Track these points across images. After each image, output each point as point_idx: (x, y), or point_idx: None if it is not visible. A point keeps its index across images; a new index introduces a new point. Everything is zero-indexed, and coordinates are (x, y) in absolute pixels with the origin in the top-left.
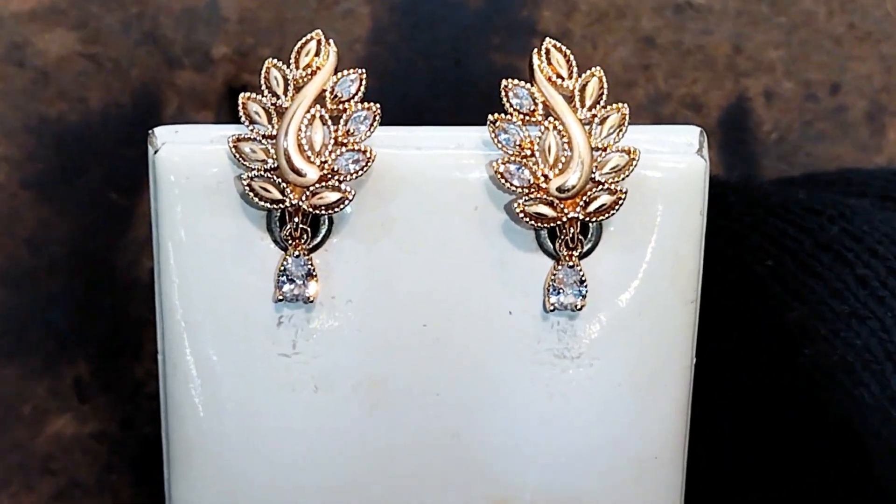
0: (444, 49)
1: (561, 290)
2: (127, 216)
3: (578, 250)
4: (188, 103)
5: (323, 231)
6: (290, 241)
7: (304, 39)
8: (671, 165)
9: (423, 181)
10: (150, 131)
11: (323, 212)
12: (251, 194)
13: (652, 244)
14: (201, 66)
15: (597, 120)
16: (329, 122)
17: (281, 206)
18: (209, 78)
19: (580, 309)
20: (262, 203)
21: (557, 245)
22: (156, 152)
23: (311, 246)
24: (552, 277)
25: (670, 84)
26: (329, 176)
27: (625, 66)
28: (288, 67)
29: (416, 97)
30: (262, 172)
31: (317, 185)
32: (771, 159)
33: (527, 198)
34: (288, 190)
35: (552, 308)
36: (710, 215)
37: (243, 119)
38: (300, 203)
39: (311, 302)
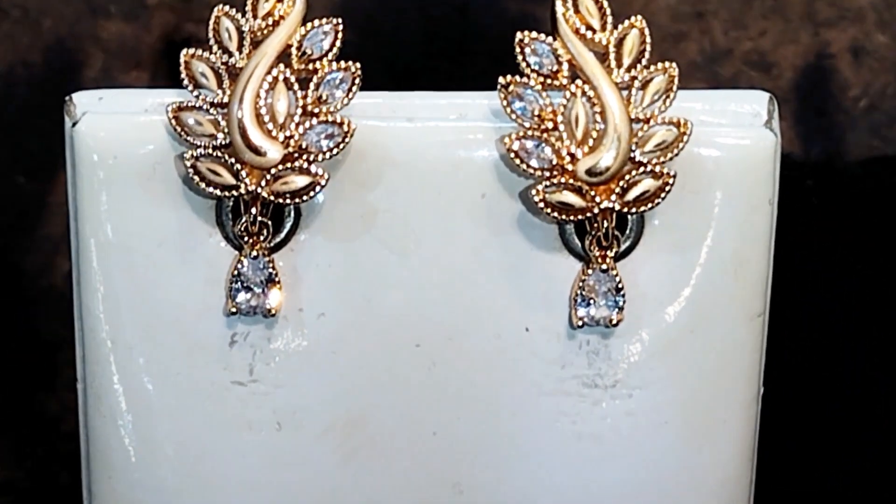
0: None
1: (592, 301)
2: (37, 206)
3: (614, 250)
4: (115, 62)
5: (288, 225)
6: (246, 238)
7: None
8: (732, 142)
9: (416, 162)
10: (66, 98)
11: (288, 201)
12: (196, 178)
13: (708, 243)
14: (132, 13)
15: (637, 83)
16: (295, 87)
17: (235, 193)
18: (142, 29)
19: (616, 325)
20: (211, 189)
21: (587, 243)
22: (74, 125)
23: (272, 244)
24: (581, 284)
25: (731, 37)
26: (296, 155)
27: (673, 15)
28: (243, 16)
29: (409, 55)
30: (211, 150)
31: (280, 167)
32: (860, 133)
33: (548, 183)
34: (243, 173)
35: (580, 324)
36: (783, 205)
37: (186, 82)
38: (259, 189)
39: (273, 316)
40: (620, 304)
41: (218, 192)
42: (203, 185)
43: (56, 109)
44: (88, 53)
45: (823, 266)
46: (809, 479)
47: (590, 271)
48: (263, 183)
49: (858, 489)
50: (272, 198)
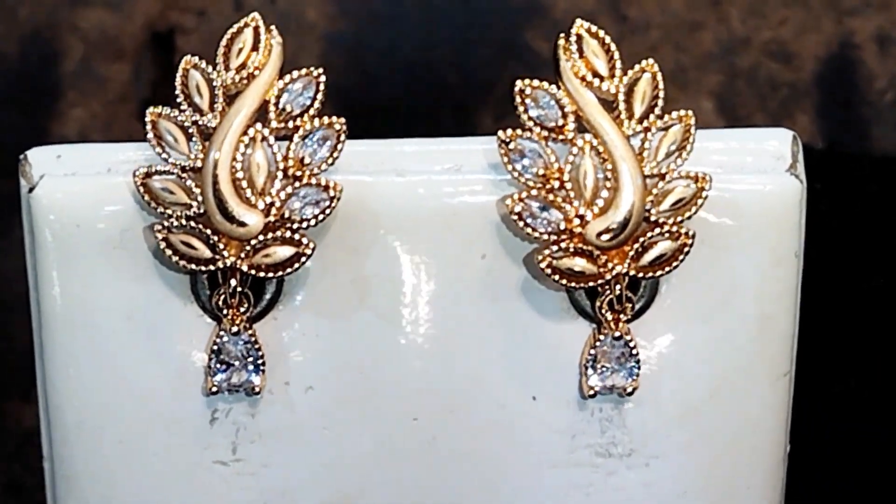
0: None
1: (604, 368)
2: (12, 207)
3: (627, 314)
4: (96, 53)
5: (269, 293)
6: (224, 311)
7: (234, 28)
8: (754, 190)
9: (408, 221)
10: (20, 157)
11: (270, 274)
12: (169, 252)
13: (728, 300)
14: (113, 1)
15: (651, 135)
16: (275, 148)
17: (211, 267)
18: (124, 18)
19: (631, 393)
20: (185, 263)
21: (598, 306)
22: (31, 190)
23: (254, 314)
24: (592, 350)
25: (749, 26)
26: (278, 224)
27: (689, 2)
28: (214, 69)
29: (409, 45)
30: (184, 221)
31: (261, 238)
32: (886, 127)
33: (555, 248)
34: (221, 244)
35: (592, 393)
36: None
37: (153, 144)
38: (238, 263)
39: (258, 394)
40: (635, 371)
41: (193, 266)
42: (176, 258)
43: (33, 105)
44: (67, 44)
45: (843, 263)
46: (827, 482)
47: (602, 336)
48: (243, 255)
49: (871, 492)
50: (253, 272)
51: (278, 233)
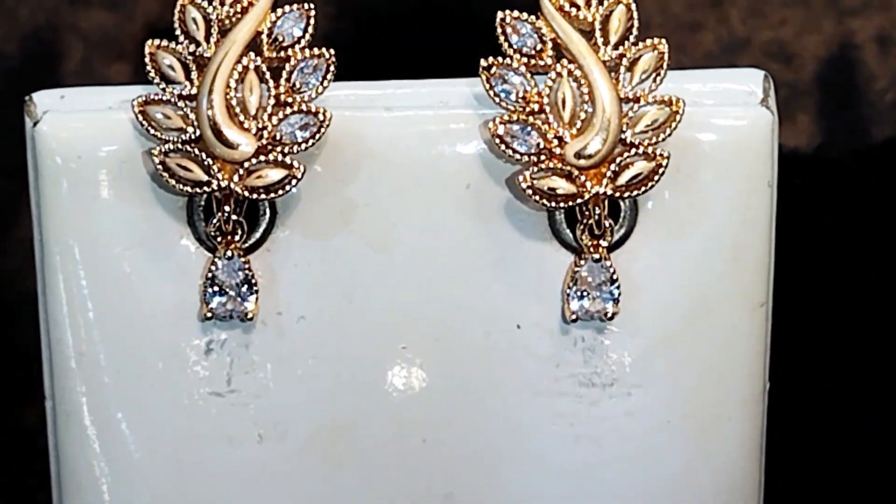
0: None
1: (585, 294)
2: (12, 207)
3: (607, 239)
4: (96, 53)
5: (263, 224)
6: (219, 239)
7: None
8: (728, 122)
9: (396, 153)
10: (26, 98)
11: (263, 196)
12: (166, 175)
13: (705, 228)
14: (114, 2)
15: (625, 61)
16: (267, 76)
17: (206, 189)
18: (124, 19)
19: (612, 318)
20: (181, 186)
21: (578, 232)
22: (35, 124)
23: (247, 245)
24: (573, 276)
25: (749, 26)
26: (269, 147)
27: (689, 2)
28: (210, 4)
29: (407, 40)
30: (181, 145)
31: (253, 161)
32: (887, 126)
33: (536, 168)
34: (215, 168)
35: (574, 318)
36: (796, 190)
37: (152, 75)
38: (232, 185)
39: (251, 319)
40: (615, 295)
41: (189, 188)
42: (173, 181)
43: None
44: (68, 44)
45: (841, 264)
46: (819, 478)
47: (582, 262)
48: (236, 178)
49: (868, 487)
50: (246, 193)
51: (270, 156)
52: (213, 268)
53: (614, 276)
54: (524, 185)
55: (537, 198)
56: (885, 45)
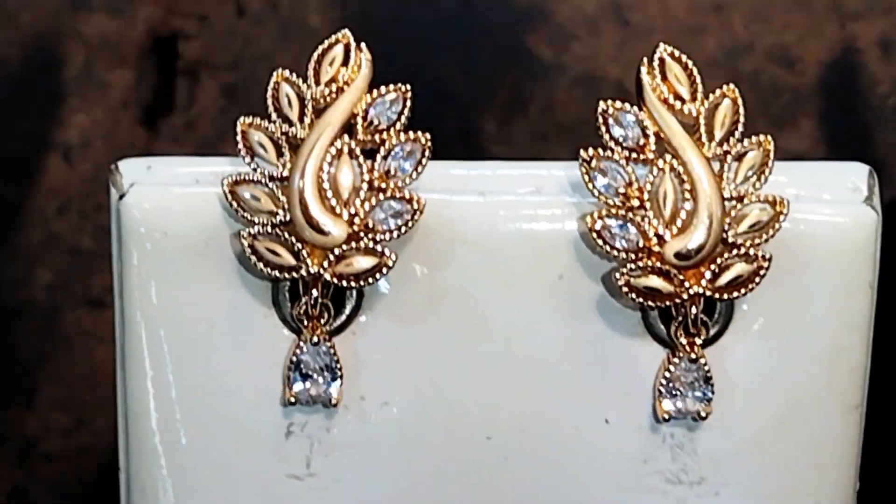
0: None
1: (678, 392)
2: (15, 213)
3: (702, 337)
4: (98, 58)
5: (349, 307)
6: (305, 322)
7: (325, 43)
8: (830, 220)
9: (488, 240)
10: (111, 167)
11: (353, 283)
12: (254, 258)
13: (802, 329)
14: (115, 7)
15: (730, 158)
16: (360, 159)
17: (295, 275)
18: (126, 24)
19: (705, 418)
20: (270, 270)
21: (673, 329)
22: (121, 197)
23: (333, 327)
24: (666, 374)
25: (752, 31)
26: (361, 234)
27: (691, 7)
28: (304, 82)
29: (411, 50)
30: (270, 228)
31: (344, 247)
32: (888, 132)
33: (633, 266)
34: (305, 253)
35: (666, 417)
36: None
37: (243, 153)
38: (321, 271)
39: (334, 406)
40: (709, 395)
41: (277, 273)
42: (261, 265)
43: (36, 111)
44: (69, 50)
45: None
46: None
47: (676, 360)
48: (326, 264)
49: None
50: (335, 280)
51: (361, 243)
52: (297, 351)
53: (709, 376)
54: (621, 283)
55: (633, 296)
56: (887, 50)
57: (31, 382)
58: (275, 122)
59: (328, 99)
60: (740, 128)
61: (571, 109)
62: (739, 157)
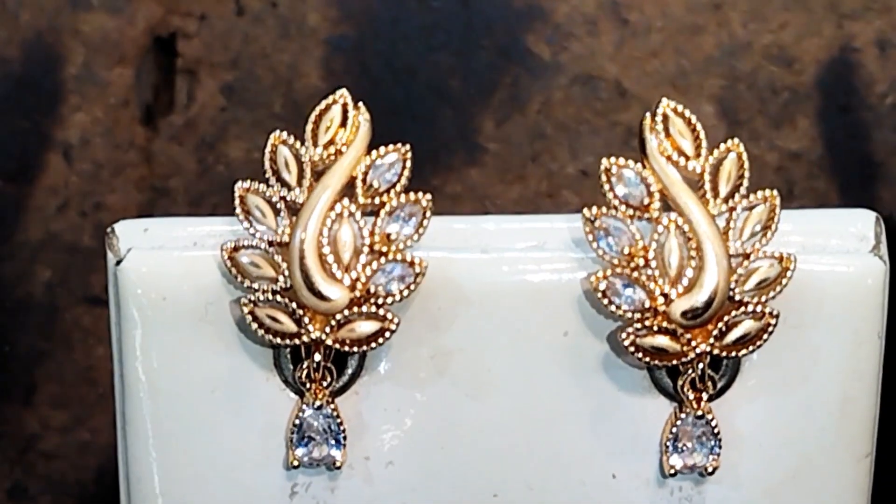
0: None
1: (685, 447)
2: (14, 211)
3: (709, 392)
4: (97, 58)
5: (352, 368)
6: (307, 385)
7: (322, 104)
8: (837, 271)
9: (492, 298)
10: (108, 230)
11: (355, 349)
12: (255, 325)
13: (810, 381)
14: (115, 6)
15: (736, 214)
16: (361, 222)
17: (296, 341)
18: (125, 22)
19: (712, 473)
20: (270, 337)
21: (680, 384)
22: (118, 263)
23: (335, 388)
24: (673, 429)
25: (750, 30)
26: (363, 299)
27: (689, 6)
28: (302, 145)
29: (409, 49)
30: (270, 295)
31: (346, 312)
32: (886, 131)
33: (639, 325)
34: (306, 319)
35: (673, 472)
36: None
37: (241, 218)
38: (323, 337)
39: (339, 468)
40: (717, 450)
41: (279, 340)
42: (262, 332)
43: (34, 108)
44: (69, 48)
45: None
46: None
47: (683, 415)
48: (328, 330)
49: None
50: (337, 346)
51: (363, 308)
52: (300, 414)
53: (716, 431)
54: (627, 343)
55: (640, 355)
56: (885, 49)
57: (29, 380)
58: (272, 186)
59: (327, 161)
60: (745, 182)
61: (570, 108)
62: (745, 213)
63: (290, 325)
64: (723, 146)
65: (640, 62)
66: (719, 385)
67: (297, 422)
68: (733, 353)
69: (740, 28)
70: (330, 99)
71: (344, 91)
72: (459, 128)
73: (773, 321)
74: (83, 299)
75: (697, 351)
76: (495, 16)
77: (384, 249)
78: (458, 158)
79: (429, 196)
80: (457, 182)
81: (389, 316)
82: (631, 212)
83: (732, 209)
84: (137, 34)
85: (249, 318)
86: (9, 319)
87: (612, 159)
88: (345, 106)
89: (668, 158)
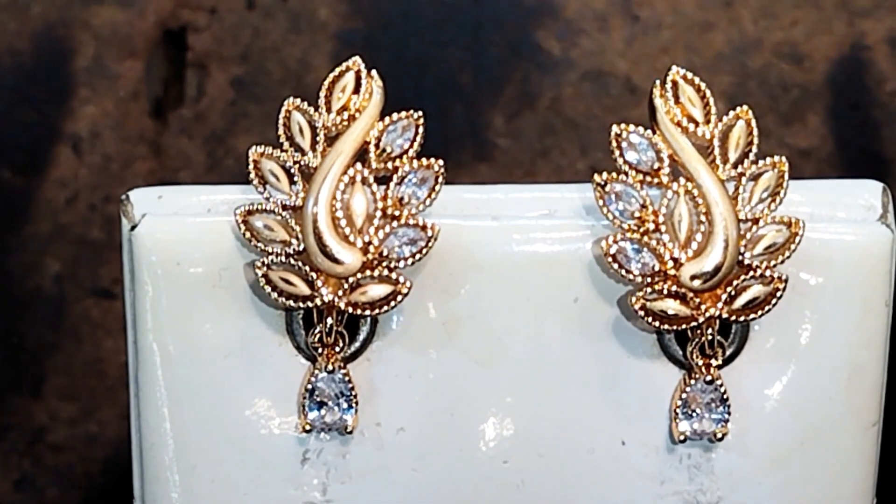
0: None
1: (694, 413)
2: (24, 203)
3: (718, 358)
4: (108, 51)
5: (363, 334)
6: (319, 350)
7: (336, 71)
8: (845, 239)
9: (502, 264)
10: (122, 197)
11: (367, 312)
12: (268, 288)
13: (818, 348)
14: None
15: (745, 180)
16: (374, 187)
17: (309, 304)
18: (136, 15)
19: (721, 439)
20: (284, 300)
21: (689, 350)
22: (133, 228)
23: (347, 354)
24: (682, 395)
25: (761, 27)
26: (375, 262)
27: (700, 3)
28: (316, 110)
29: (420, 43)
30: (284, 258)
31: (359, 276)
32: None
33: (649, 289)
34: (319, 282)
35: (682, 438)
36: None
37: (255, 183)
38: (336, 300)
39: (350, 433)
40: (726, 416)
41: (291, 302)
42: (275, 295)
43: (45, 101)
44: (79, 41)
45: None
46: None
47: (693, 381)
48: (340, 293)
49: None
50: (350, 309)
51: (376, 271)
52: (312, 379)
53: (725, 397)
54: (637, 307)
55: (650, 319)
56: (895, 47)
57: (38, 372)
58: (287, 151)
59: (340, 127)
60: (754, 149)
61: (579, 104)
62: (754, 179)
63: (303, 288)
64: (732, 113)
65: (650, 59)
66: (728, 352)
67: (310, 387)
68: (742, 318)
69: (751, 25)
70: (343, 66)
71: (357, 59)
72: (469, 123)
73: (781, 285)
74: (92, 292)
75: (707, 315)
76: (506, 12)
77: (396, 214)
78: (467, 154)
79: (441, 161)
80: (466, 177)
81: (401, 279)
82: (641, 177)
83: (741, 175)
84: (148, 27)
85: (263, 280)
86: (18, 311)
87: (623, 125)
88: (358, 73)
89: (678, 125)
